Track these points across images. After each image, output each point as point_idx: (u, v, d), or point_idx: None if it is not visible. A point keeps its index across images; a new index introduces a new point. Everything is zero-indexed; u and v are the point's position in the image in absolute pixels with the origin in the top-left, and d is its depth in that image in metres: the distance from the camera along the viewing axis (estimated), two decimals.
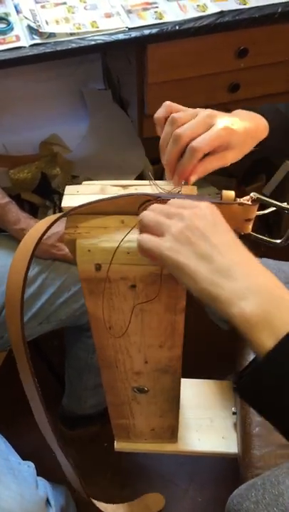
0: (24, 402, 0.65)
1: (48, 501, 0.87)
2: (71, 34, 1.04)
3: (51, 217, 0.58)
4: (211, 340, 1.34)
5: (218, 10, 1.12)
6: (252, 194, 0.57)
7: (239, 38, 1.15)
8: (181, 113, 0.59)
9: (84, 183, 0.63)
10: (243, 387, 0.47)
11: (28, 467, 0.87)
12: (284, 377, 0.44)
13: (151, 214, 0.53)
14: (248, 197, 0.58)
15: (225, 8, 1.12)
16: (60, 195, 1.60)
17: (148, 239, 0.50)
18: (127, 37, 1.04)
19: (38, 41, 1.03)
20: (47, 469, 0.98)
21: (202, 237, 0.49)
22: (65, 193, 0.62)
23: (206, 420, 1.06)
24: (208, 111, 0.60)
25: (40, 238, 0.56)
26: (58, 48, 1.02)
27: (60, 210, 1.63)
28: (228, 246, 0.49)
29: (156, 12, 1.11)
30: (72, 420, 1.36)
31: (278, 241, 0.61)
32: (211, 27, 1.09)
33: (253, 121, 0.66)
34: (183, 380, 0.88)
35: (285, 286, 0.97)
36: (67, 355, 1.21)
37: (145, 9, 1.12)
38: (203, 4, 1.13)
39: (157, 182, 0.62)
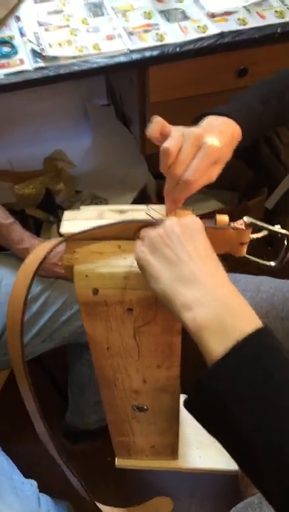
0: (26, 419, 0.67)
1: None
2: (74, 57, 1.07)
3: (50, 243, 0.60)
4: None
5: (218, 31, 1.14)
6: (245, 218, 0.59)
7: (239, 58, 1.17)
8: (172, 142, 0.59)
9: (82, 208, 0.65)
10: (193, 398, 0.46)
11: (31, 486, 0.88)
12: (233, 384, 0.43)
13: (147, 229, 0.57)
14: (241, 221, 0.59)
15: (225, 29, 1.14)
16: (64, 210, 1.62)
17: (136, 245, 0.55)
18: (128, 60, 1.07)
19: (42, 65, 1.05)
20: (49, 485, 0.99)
21: (177, 242, 0.51)
22: (64, 218, 0.63)
23: (206, 437, 1.06)
24: (195, 132, 0.60)
25: (41, 263, 0.58)
26: (61, 71, 1.04)
27: None
28: (199, 255, 0.50)
29: (157, 34, 1.13)
30: (76, 435, 1.37)
31: (272, 263, 0.62)
32: (211, 48, 1.11)
33: (228, 130, 0.66)
34: (183, 397, 0.88)
35: (284, 304, 0.96)
36: (70, 372, 1.23)
37: (146, 31, 1.14)
38: (204, 25, 1.15)
39: (153, 206, 0.63)
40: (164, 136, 0.60)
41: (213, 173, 0.63)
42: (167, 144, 0.58)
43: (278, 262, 0.61)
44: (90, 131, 1.77)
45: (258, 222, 0.58)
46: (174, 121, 0.64)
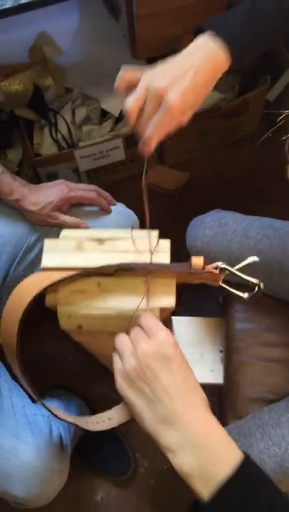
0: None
1: (61, 439, 1.01)
2: None
3: (35, 286, 0.62)
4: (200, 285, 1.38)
5: None
6: (219, 263, 0.60)
7: None
8: (133, 100, 0.60)
9: (61, 235, 0.66)
10: None
11: (43, 417, 0.97)
12: None
13: (120, 337, 0.59)
14: (215, 264, 0.60)
15: None
16: (55, 112, 1.54)
17: (114, 363, 0.58)
18: None
19: None
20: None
21: (152, 377, 0.53)
22: (44, 248, 0.65)
23: (197, 355, 1.18)
24: (156, 89, 0.59)
25: (28, 306, 0.60)
26: None
27: (56, 128, 1.55)
28: (176, 389, 0.52)
29: None
30: None
31: (245, 295, 0.64)
32: None
33: (209, 66, 0.63)
34: (177, 318, 0.95)
35: (269, 251, 0.97)
36: None
37: None
38: None
39: (134, 235, 0.64)
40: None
41: (184, 119, 0.63)
42: (129, 104, 0.61)
43: (249, 298, 0.64)
44: (76, 11, 1.58)
45: (230, 269, 0.59)
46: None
